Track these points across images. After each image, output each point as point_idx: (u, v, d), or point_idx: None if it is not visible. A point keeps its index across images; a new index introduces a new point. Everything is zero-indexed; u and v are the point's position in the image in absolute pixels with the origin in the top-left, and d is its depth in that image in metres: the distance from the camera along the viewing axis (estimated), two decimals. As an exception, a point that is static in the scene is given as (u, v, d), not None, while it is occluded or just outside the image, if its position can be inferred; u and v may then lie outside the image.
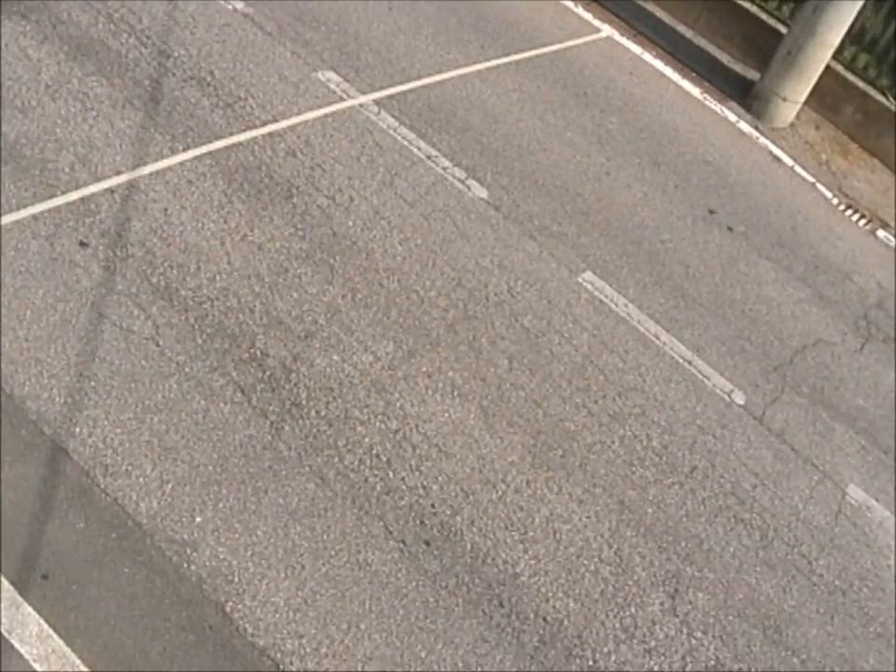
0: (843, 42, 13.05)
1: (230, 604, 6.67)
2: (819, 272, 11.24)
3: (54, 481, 6.82)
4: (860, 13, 12.77)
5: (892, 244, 12.34)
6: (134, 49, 9.92)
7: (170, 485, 7.02)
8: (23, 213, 8.18)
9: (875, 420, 9.81)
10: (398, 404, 8.00)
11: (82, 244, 8.12)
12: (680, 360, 9.39)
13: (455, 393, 8.25)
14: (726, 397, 9.28)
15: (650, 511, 8.17)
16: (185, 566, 6.74)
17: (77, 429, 7.08)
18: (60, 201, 8.38)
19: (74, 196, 8.45)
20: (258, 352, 7.92)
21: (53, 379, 7.27)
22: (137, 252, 8.23)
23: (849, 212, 12.52)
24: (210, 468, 7.19)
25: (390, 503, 7.43)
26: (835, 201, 12.57)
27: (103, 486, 6.88)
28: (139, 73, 9.72)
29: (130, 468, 7.02)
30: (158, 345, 7.70)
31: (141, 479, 6.99)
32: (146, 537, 6.76)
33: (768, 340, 10.06)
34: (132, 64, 9.76)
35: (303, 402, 7.74)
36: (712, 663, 7.51)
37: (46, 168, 8.58)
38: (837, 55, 13.23)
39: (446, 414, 8.08)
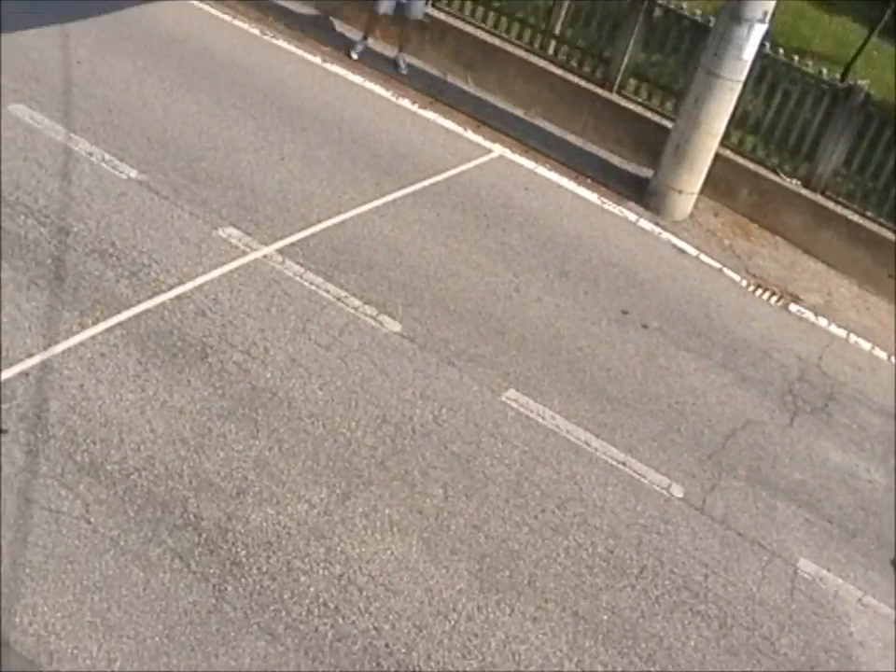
0: (728, 128, 13.40)
1: None
2: (738, 354, 11.38)
3: (-1, 676, 6.70)
4: (740, 98, 13.14)
5: (805, 315, 12.54)
6: (33, 230, 9.94)
7: (118, 663, 6.88)
8: (-63, 409, 8.14)
9: (814, 491, 9.88)
10: (338, 548, 7.93)
11: (1, 431, 8.06)
12: (614, 463, 9.43)
13: (395, 529, 8.20)
14: (665, 492, 9.31)
15: (605, 617, 8.13)
16: (143, 745, 6.64)
17: (17, 619, 6.94)
18: (-27, 391, 8.34)
19: (-12, 384, 8.42)
20: (191, 516, 7.85)
21: (-13, 572, 7.17)
22: (58, 432, 8.17)
23: (759, 291, 12.75)
24: (157, 639, 7.07)
25: (343, 649, 7.33)
26: (744, 283, 12.79)
27: (50, 674, 6.77)
28: (40, 252, 9.73)
29: (75, 651, 6.88)
30: (89, 523, 7.61)
31: (88, 661, 6.85)
32: (98, 721, 6.65)
33: (698, 429, 10.14)
34: (32, 245, 9.77)
35: (243, 560, 7.66)
36: None
37: (-44, 361, 8.55)
38: (725, 141, 13.58)
39: (388, 552, 8.02)
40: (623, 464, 9.45)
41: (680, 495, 9.34)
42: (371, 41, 15.08)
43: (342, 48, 15.01)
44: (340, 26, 15.57)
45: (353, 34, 15.40)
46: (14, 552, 7.30)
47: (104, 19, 12.61)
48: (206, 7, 15.06)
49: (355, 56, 14.91)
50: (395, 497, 8.46)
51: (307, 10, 15.73)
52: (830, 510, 9.76)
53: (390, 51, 15.13)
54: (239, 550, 7.72)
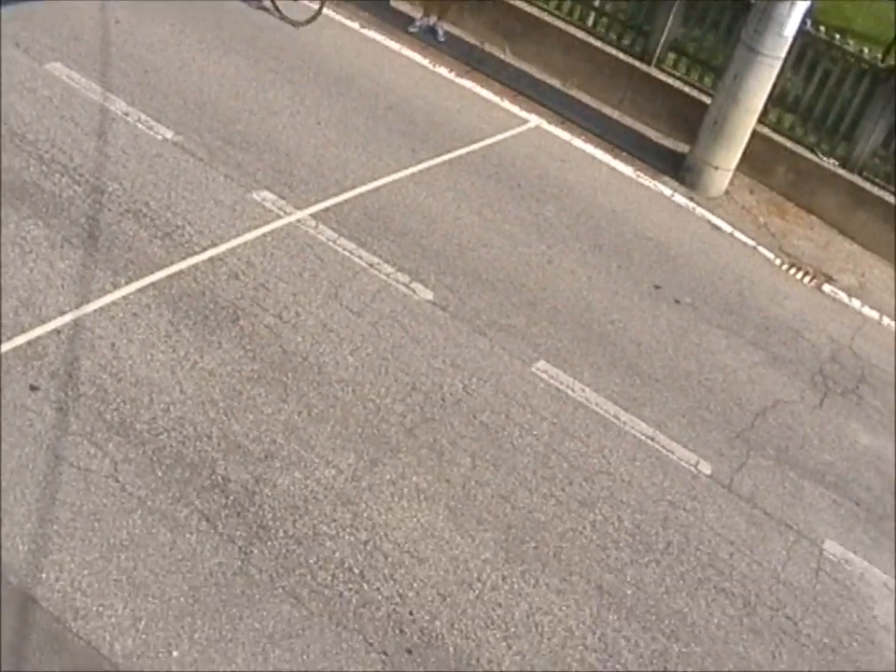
0: (766, 105, 13.29)
1: (215, 737, 6.59)
2: (770, 333, 11.32)
3: (25, 630, 6.71)
4: (779, 75, 13.01)
5: (839, 296, 12.46)
6: (68, 188, 9.96)
7: (143, 622, 6.92)
8: (-30, 364, 8.16)
9: (842, 473, 9.83)
10: (365, 515, 7.94)
11: (32, 387, 8.08)
12: (643, 438, 9.40)
13: (421, 497, 8.21)
14: (693, 468, 9.28)
15: (629, 592, 8.12)
16: (166, 703, 6.66)
17: (44, 575, 6.98)
18: (6, 347, 8.33)
19: (20, 340, 8.41)
20: (219, 478, 7.87)
21: (15, 527, 7.17)
22: (89, 390, 8.20)
23: (793, 270, 12.66)
24: (182, 600, 7.10)
25: (367, 615, 7.35)
26: (778, 261, 12.71)
27: (75, 630, 6.78)
28: (75, 211, 9.75)
29: (101, 608, 6.92)
30: (118, 482, 7.64)
31: (113, 619, 6.89)
32: (123, 678, 6.68)
33: (728, 407, 10.10)
34: (67, 203, 9.79)
35: (270, 524, 7.67)
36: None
37: (-10, 317, 8.57)
38: (763, 119, 13.46)
39: (414, 519, 8.03)
40: (652, 439, 9.42)
41: (708, 472, 9.30)
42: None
43: (380, 13, 14.94)
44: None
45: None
46: (42, 508, 7.32)
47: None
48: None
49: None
50: (423, 465, 8.45)
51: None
52: (858, 492, 9.71)
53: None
54: (266, 513, 7.73)
